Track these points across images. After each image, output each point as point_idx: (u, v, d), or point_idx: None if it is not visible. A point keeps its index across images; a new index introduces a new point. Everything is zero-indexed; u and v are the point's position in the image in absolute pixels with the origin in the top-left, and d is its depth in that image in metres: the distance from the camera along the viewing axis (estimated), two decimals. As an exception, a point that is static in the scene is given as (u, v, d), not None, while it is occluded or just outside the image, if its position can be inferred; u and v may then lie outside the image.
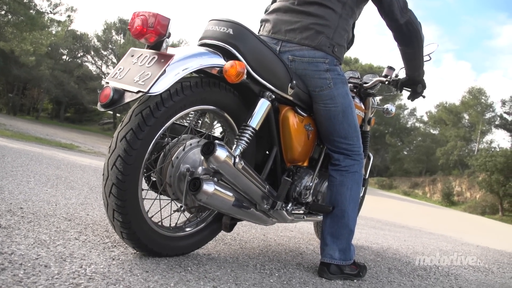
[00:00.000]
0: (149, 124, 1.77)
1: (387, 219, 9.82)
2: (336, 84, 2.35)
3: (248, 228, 3.67)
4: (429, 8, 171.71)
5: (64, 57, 49.34)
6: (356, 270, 2.50)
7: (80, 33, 48.77)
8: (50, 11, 30.46)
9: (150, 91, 1.66)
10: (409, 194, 37.65)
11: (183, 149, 2.02)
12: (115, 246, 2.18)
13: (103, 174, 1.84)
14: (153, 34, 1.76)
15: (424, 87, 2.77)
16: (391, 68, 3.09)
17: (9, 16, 26.33)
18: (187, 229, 2.26)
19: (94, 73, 51.21)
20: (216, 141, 1.84)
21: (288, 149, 2.40)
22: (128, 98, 1.70)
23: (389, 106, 3.50)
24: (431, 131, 52.42)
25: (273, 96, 2.19)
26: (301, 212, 2.69)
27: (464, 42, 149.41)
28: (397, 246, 4.56)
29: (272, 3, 2.60)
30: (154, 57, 1.79)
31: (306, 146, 2.49)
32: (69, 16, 33.31)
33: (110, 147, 1.82)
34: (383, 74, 3.11)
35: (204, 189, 1.81)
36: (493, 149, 36.17)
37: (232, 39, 1.98)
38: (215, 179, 1.92)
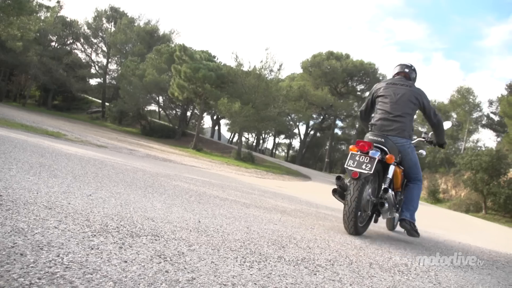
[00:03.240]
0: (362, 191, 4.19)
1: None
2: (412, 151, 4.80)
3: (231, 221, 3.67)
4: (420, 6, 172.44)
5: (53, 43, 48.75)
6: (416, 229, 4.68)
7: (69, 19, 48.23)
8: (39, -4, 29.99)
9: (371, 172, 4.12)
10: (396, 191, 38.10)
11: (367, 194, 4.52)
12: (94, 235, 2.16)
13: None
14: (368, 150, 4.25)
15: (445, 144, 5.42)
16: (426, 133, 5.64)
17: (-4, 0, 25.85)
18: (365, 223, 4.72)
19: (84, 61, 50.71)
20: (385, 186, 4.49)
21: (395, 183, 4.79)
22: (364, 175, 4.12)
23: (422, 152, 5.81)
24: (420, 128, 52.77)
25: (396, 163, 4.65)
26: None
27: (454, 41, 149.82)
28: (380, 241, 4.59)
29: (375, 114, 4.88)
30: (367, 157, 4.21)
31: (401, 181, 4.87)
32: (58, 1, 32.90)
33: (346, 203, 4.22)
34: (422, 136, 5.64)
35: (385, 206, 4.48)
36: (479, 148, 36.57)
37: (384, 145, 4.52)
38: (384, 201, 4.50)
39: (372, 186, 4.49)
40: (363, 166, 4.13)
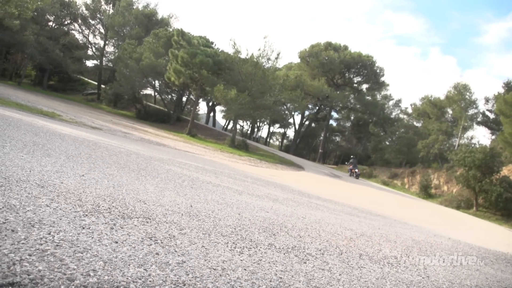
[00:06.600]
0: (353, 174, 29.89)
1: (364, 207, 9.91)
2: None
3: (223, 206, 3.67)
4: (418, 0, 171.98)
5: (50, 23, 48.12)
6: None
7: (68, 0, 47.66)
8: (38, -26, 29.55)
9: (357, 172, 30.47)
10: (388, 184, 38.09)
11: None
12: (86, 215, 2.16)
13: None
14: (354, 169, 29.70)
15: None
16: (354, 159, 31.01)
17: (-6, -23, 25.45)
18: None
19: (81, 42, 50.16)
20: (357, 173, 31.11)
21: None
22: (356, 172, 30.10)
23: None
24: (414, 123, 52.77)
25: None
26: None
27: (451, 37, 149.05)
28: (370, 233, 4.62)
29: (351, 163, 31.03)
30: (354, 172, 30.74)
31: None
32: (57, -19, 32.33)
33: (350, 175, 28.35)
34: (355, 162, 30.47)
35: (358, 176, 30.90)
36: (473, 145, 36.66)
37: (356, 168, 31.24)
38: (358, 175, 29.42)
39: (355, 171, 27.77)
40: (356, 171, 28.18)
